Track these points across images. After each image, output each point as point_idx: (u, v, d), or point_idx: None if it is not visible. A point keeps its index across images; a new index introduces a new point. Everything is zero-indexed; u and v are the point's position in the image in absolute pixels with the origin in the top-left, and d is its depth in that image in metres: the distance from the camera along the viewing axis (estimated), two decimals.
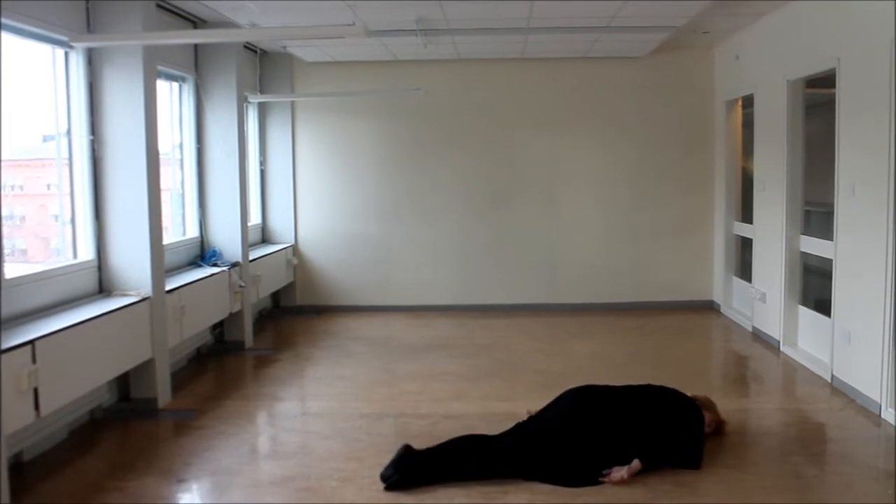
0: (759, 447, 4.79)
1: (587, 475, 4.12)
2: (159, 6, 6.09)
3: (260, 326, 8.28)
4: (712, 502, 3.86)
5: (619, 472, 4.11)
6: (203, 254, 7.14)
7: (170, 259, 6.31)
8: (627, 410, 4.43)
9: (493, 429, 4.49)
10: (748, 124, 8.07)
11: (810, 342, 6.49)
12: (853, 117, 5.51)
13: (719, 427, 4.74)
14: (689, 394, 4.71)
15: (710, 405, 4.75)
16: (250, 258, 7.55)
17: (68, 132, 5.33)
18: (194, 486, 4.24)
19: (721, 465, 4.31)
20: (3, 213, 4.64)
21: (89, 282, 5.39)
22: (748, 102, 7.95)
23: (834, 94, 5.75)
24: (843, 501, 3.92)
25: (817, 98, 6.59)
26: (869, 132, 5.23)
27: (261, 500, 3.97)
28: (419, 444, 4.50)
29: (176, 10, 6.54)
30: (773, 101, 6.97)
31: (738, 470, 4.28)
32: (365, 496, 3.99)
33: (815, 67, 6.15)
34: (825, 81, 6.06)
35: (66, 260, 5.31)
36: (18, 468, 4.33)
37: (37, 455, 4.55)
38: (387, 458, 4.38)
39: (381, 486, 4.08)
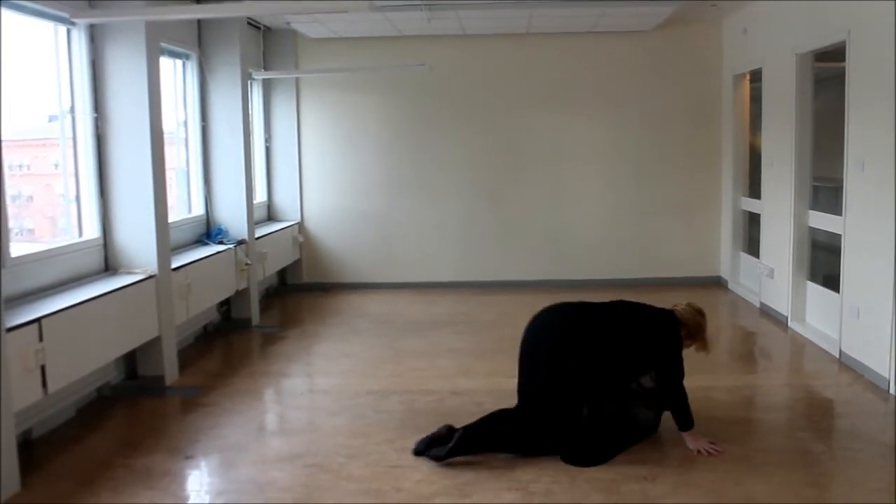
0: (766, 423, 4.80)
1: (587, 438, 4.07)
2: None
3: (266, 304, 8.29)
4: (719, 478, 3.86)
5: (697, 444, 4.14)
6: (209, 231, 7.13)
7: (175, 237, 6.31)
8: (600, 331, 4.26)
9: (500, 404, 4.46)
10: (756, 99, 7.99)
11: (818, 318, 6.46)
12: (863, 91, 5.45)
13: (703, 349, 4.42)
14: (676, 308, 4.38)
15: (696, 329, 4.34)
16: (256, 236, 7.54)
17: (72, 110, 5.30)
18: (202, 463, 4.26)
19: (728, 440, 4.31)
20: (11, 194, 4.64)
21: (95, 260, 5.39)
22: (756, 77, 7.87)
23: (843, 67, 5.68)
24: (851, 477, 3.92)
25: (827, 72, 6.52)
26: (879, 107, 5.17)
27: (268, 476, 3.98)
28: (425, 421, 4.55)
29: None
30: (781, 76, 6.90)
31: (746, 446, 4.27)
32: (371, 472, 4.00)
33: (825, 40, 6.08)
34: (835, 55, 5.99)
35: (71, 238, 5.30)
36: (28, 445, 4.35)
37: (46, 432, 4.57)
38: (393, 434, 4.44)
39: (389, 461, 4.10)
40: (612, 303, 4.47)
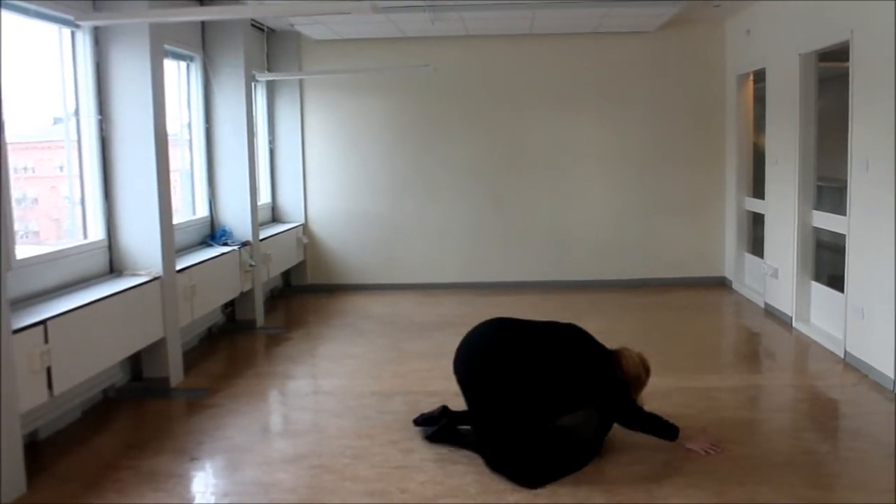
0: (771, 423, 4.79)
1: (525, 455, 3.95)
2: None
3: (271, 305, 8.30)
4: (723, 479, 3.86)
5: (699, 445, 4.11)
6: (213, 233, 7.15)
7: (180, 238, 6.32)
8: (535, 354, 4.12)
9: None
10: (760, 99, 7.99)
11: (823, 318, 6.46)
12: (867, 91, 5.45)
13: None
14: (622, 352, 4.20)
15: (634, 381, 4.16)
16: (260, 237, 7.55)
17: (76, 113, 5.32)
18: (207, 464, 4.26)
19: (733, 441, 4.31)
20: (16, 196, 4.66)
21: (100, 262, 5.40)
22: (760, 77, 7.87)
23: (847, 67, 5.67)
24: (856, 478, 3.91)
25: (830, 72, 6.52)
26: (883, 106, 5.16)
27: (273, 478, 3.99)
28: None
29: None
30: (785, 76, 6.90)
31: (751, 446, 4.27)
32: (377, 473, 4.01)
33: (828, 40, 6.07)
34: (838, 55, 5.99)
35: (76, 240, 5.32)
36: (34, 446, 4.37)
37: (51, 434, 4.59)
38: (398, 435, 4.46)
39: (394, 463, 4.11)
40: (555, 326, 4.37)
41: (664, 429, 4.11)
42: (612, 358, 4.18)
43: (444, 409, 4.54)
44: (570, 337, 4.29)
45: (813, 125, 6.59)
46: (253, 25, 8.06)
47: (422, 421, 4.54)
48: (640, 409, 4.11)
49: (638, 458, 4.09)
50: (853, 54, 5.59)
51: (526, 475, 3.84)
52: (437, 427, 4.39)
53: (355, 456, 4.23)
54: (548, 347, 4.18)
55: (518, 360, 4.09)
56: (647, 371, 4.21)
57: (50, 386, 4.13)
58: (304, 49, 8.89)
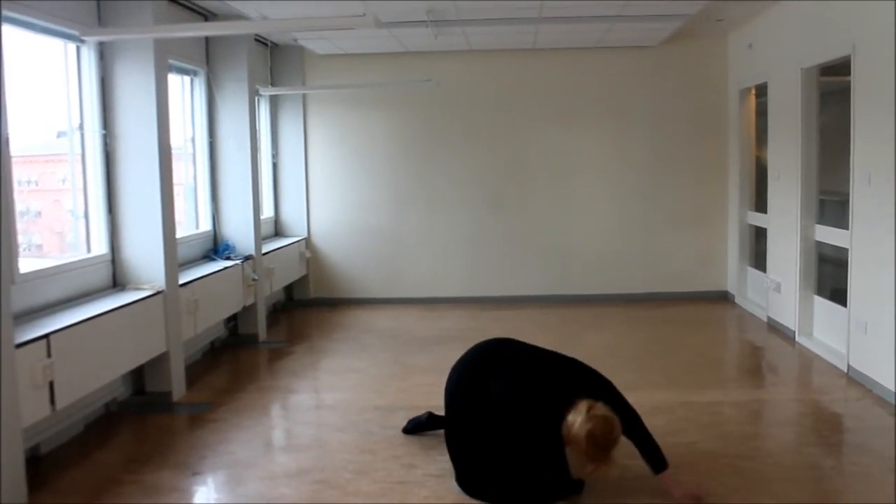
0: (774, 438, 4.78)
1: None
2: (170, 0, 6.09)
3: (273, 319, 8.30)
4: (727, 493, 3.84)
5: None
6: (216, 247, 7.16)
7: (183, 252, 6.33)
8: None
9: None
10: (762, 113, 8.01)
11: (826, 332, 6.44)
12: (869, 105, 5.46)
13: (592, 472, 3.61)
14: (576, 406, 3.57)
15: (574, 440, 3.53)
16: (263, 251, 7.57)
17: (81, 127, 5.34)
18: (209, 479, 4.26)
19: (736, 455, 4.30)
20: (19, 209, 4.67)
21: (103, 276, 5.41)
22: (762, 91, 7.89)
23: (849, 81, 5.69)
24: (860, 493, 3.90)
25: (832, 86, 6.53)
26: (885, 120, 5.17)
27: (276, 492, 3.98)
28: (431, 437, 4.61)
29: (187, 4, 6.54)
30: (787, 90, 6.91)
31: (754, 461, 4.25)
32: (379, 488, 4.00)
33: (830, 55, 6.09)
34: (840, 69, 6.00)
35: (80, 254, 5.33)
36: (36, 461, 4.36)
37: (54, 448, 4.58)
38: (400, 451, 4.47)
39: (396, 478, 4.11)
40: (550, 360, 4.08)
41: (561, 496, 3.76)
42: (561, 408, 3.63)
43: (430, 414, 4.73)
44: (553, 376, 3.94)
45: (815, 139, 6.60)
46: (257, 40, 8.10)
47: (410, 428, 4.76)
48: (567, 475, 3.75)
49: (638, 470, 4.07)
50: (855, 68, 5.60)
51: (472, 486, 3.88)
52: (417, 422, 4.72)
53: (358, 471, 4.21)
54: (522, 383, 3.92)
55: (491, 391, 3.93)
56: (595, 443, 3.49)
57: (52, 400, 4.13)
58: (307, 64, 8.93)
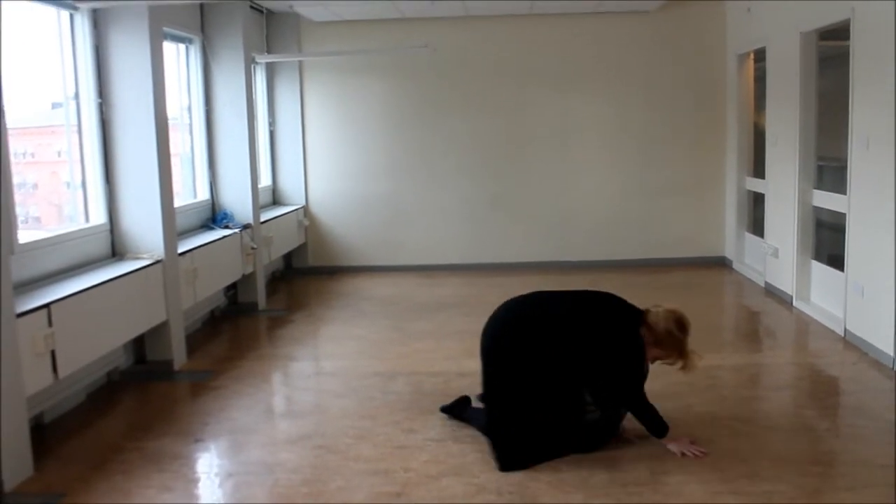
0: (771, 401, 4.82)
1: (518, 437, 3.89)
2: None
3: (273, 288, 8.32)
4: (724, 456, 3.89)
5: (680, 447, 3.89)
6: (214, 216, 7.16)
7: (181, 222, 6.32)
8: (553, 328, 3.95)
9: None
10: (760, 78, 7.97)
11: (823, 297, 6.47)
12: (868, 70, 5.43)
13: (683, 365, 3.95)
14: (650, 309, 3.95)
15: (665, 336, 3.88)
16: (261, 220, 7.56)
17: (76, 96, 5.31)
18: (212, 445, 4.30)
19: (734, 418, 4.34)
20: (16, 181, 4.66)
21: (102, 246, 5.41)
22: (760, 56, 7.84)
23: (848, 46, 5.66)
24: (856, 453, 3.94)
25: (831, 50, 6.50)
26: (884, 85, 5.15)
27: (277, 458, 4.02)
28: (432, 402, 4.65)
29: None
30: (785, 55, 6.87)
31: (751, 423, 4.31)
32: (380, 452, 4.04)
33: (829, 18, 6.05)
34: (839, 33, 5.97)
35: (78, 224, 5.33)
36: (40, 429, 4.39)
37: (57, 417, 4.62)
38: (400, 416, 4.52)
39: (397, 442, 4.15)
40: (580, 295, 4.17)
41: (655, 423, 3.93)
42: (637, 316, 3.94)
43: (465, 397, 4.49)
44: (598, 303, 4.08)
45: (813, 104, 6.57)
46: (252, 7, 8.02)
47: (447, 408, 4.50)
48: (642, 393, 3.96)
49: (639, 434, 4.11)
50: (854, 33, 5.57)
51: (511, 456, 3.84)
52: (454, 402, 4.48)
53: (358, 436, 4.26)
54: (574, 317, 3.99)
55: (542, 330, 3.96)
56: (680, 326, 3.89)
57: (55, 369, 4.15)
58: (303, 31, 8.86)
